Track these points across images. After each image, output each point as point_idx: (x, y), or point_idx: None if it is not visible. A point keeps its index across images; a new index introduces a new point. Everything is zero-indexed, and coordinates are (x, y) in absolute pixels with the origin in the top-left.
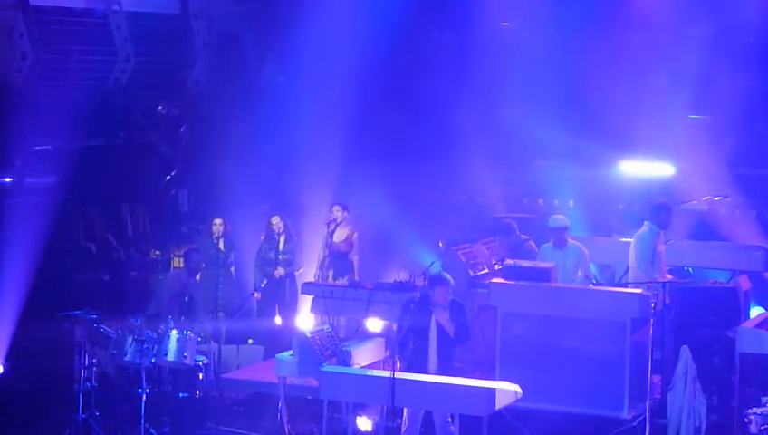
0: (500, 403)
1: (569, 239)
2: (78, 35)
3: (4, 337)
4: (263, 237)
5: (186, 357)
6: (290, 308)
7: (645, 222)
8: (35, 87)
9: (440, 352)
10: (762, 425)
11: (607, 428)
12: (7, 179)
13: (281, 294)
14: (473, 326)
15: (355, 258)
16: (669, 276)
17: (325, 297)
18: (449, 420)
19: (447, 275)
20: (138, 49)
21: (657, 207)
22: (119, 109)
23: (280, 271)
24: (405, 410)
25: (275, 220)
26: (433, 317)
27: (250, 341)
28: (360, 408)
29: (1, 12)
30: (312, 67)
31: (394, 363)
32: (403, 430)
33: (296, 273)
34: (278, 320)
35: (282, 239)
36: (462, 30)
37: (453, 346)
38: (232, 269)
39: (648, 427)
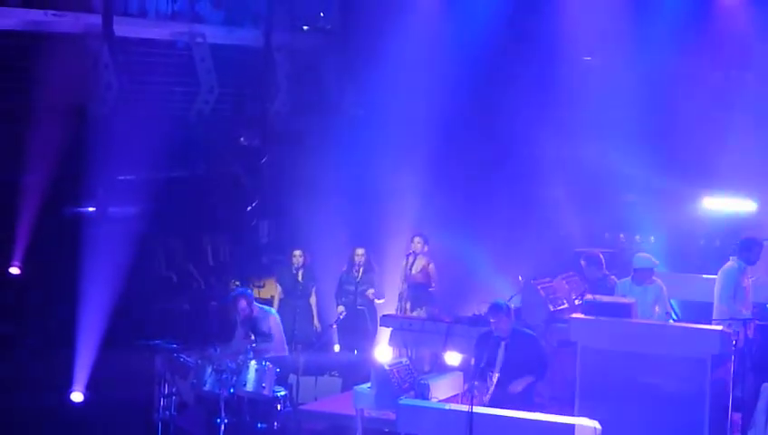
0: None
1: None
2: (162, 66)
3: (85, 365)
4: (344, 268)
5: (264, 388)
6: (370, 340)
7: (731, 257)
8: (119, 117)
9: (503, 383)
10: None
11: None
12: (90, 209)
13: (362, 326)
14: (550, 358)
15: (433, 290)
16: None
17: (403, 329)
18: None
19: (511, 304)
20: (221, 80)
21: (746, 242)
22: (201, 140)
23: (371, 291)
24: None
25: (360, 252)
26: (500, 349)
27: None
28: None
29: (87, 42)
30: (392, 100)
31: (472, 398)
32: None
33: (377, 302)
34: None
35: (361, 271)
36: (546, 63)
37: (531, 382)
38: (312, 301)
39: None
